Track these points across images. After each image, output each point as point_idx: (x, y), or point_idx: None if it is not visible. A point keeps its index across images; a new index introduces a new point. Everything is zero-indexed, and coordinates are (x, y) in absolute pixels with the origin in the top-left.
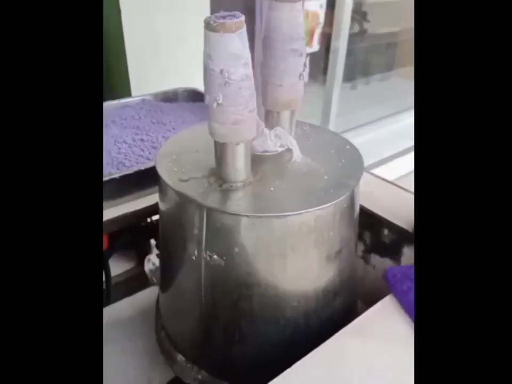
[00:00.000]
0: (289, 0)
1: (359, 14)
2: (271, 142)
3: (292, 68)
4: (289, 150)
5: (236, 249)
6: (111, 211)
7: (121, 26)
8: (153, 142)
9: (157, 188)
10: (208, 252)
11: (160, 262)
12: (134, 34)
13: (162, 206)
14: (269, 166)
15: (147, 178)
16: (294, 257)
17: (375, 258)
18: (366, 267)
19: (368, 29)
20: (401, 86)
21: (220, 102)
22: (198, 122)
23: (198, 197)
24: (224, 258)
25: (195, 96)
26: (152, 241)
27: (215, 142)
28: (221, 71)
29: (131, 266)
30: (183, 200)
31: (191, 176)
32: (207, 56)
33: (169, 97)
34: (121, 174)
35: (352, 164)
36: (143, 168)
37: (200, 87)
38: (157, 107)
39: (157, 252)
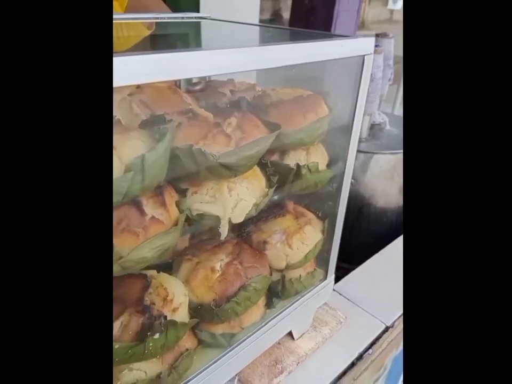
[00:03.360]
0: (387, 38)
1: None
2: (378, 116)
3: (386, 74)
4: (384, 122)
5: (366, 174)
6: None
7: None
8: None
9: None
10: None
11: None
12: None
13: None
14: (375, 130)
15: None
16: (397, 179)
17: None
18: None
19: None
20: None
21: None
22: None
23: None
24: (358, 180)
25: None
26: None
27: None
28: (371, 74)
29: None
30: None
31: None
32: None
33: None
34: None
35: None
36: None
37: None
38: None
39: None
